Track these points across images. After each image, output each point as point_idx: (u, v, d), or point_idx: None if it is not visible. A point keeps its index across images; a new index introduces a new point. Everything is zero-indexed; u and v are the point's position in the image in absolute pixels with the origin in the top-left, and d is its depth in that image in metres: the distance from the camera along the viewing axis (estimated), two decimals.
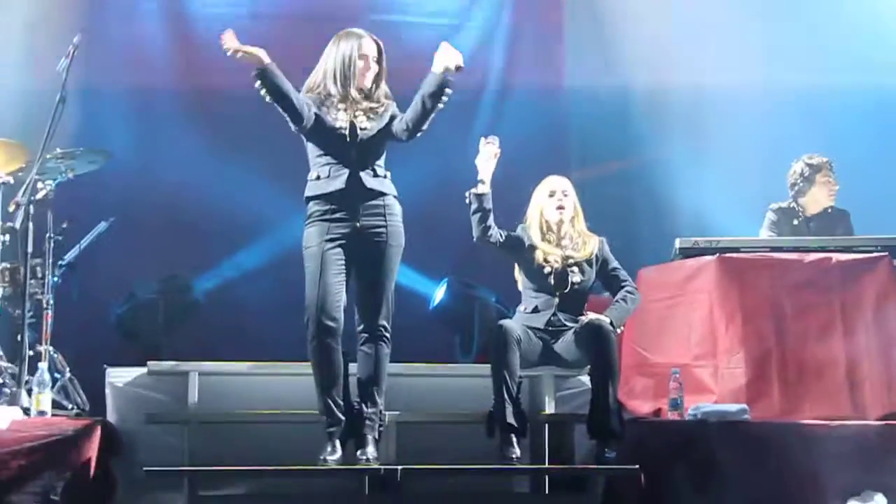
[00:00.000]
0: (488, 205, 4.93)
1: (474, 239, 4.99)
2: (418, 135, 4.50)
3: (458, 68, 4.39)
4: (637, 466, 4.59)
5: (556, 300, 5.02)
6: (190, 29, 7.53)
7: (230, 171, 7.33)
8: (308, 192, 4.53)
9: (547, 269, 5.04)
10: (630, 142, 7.91)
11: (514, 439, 4.71)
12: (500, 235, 5.01)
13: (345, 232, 4.44)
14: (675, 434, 4.84)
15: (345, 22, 4.78)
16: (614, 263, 5.16)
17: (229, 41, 4.33)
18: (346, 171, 4.45)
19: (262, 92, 4.37)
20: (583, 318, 4.93)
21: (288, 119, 4.44)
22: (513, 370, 4.74)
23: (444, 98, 4.42)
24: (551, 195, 5.13)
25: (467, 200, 4.94)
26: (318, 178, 4.50)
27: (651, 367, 5.41)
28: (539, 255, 5.05)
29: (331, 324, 4.36)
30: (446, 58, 4.42)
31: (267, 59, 4.37)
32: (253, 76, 4.38)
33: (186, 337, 6.71)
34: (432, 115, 4.46)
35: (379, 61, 4.55)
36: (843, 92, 7.35)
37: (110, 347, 6.33)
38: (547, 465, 4.99)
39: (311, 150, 4.56)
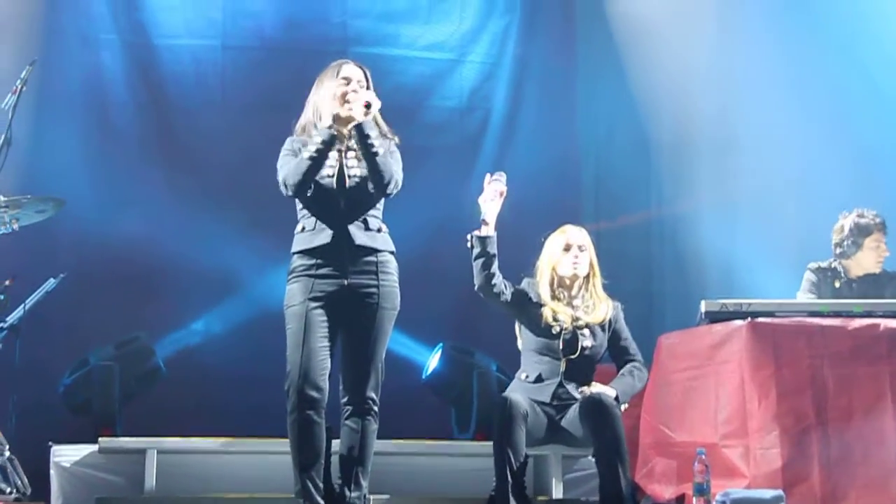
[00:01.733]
0: (493, 249, 4.94)
1: (476, 288, 5.00)
2: (390, 186, 4.48)
3: (367, 105, 4.41)
4: None
5: (563, 367, 5.02)
6: (155, 62, 7.59)
7: (198, 222, 7.36)
8: (293, 247, 4.55)
9: (555, 330, 5.04)
10: (650, 191, 7.96)
11: None
12: (505, 287, 5.02)
13: (331, 291, 4.46)
14: None
15: (326, 55, 4.83)
16: (626, 334, 5.18)
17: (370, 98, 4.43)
18: (332, 227, 4.47)
19: (316, 148, 4.42)
20: (584, 389, 4.92)
21: (293, 180, 4.43)
22: (518, 449, 4.73)
23: (374, 144, 4.42)
24: (567, 249, 5.15)
25: (469, 244, 4.95)
26: (304, 230, 4.53)
27: (674, 446, 5.38)
28: (547, 314, 5.06)
29: (315, 394, 4.36)
30: (357, 106, 4.43)
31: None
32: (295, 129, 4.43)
33: (145, 409, 6.67)
34: (380, 165, 4.42)
35: (367, 88, 4.58)
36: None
37: (57, 422, 6.32)
38: None
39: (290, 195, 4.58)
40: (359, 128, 4.43)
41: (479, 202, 4.94)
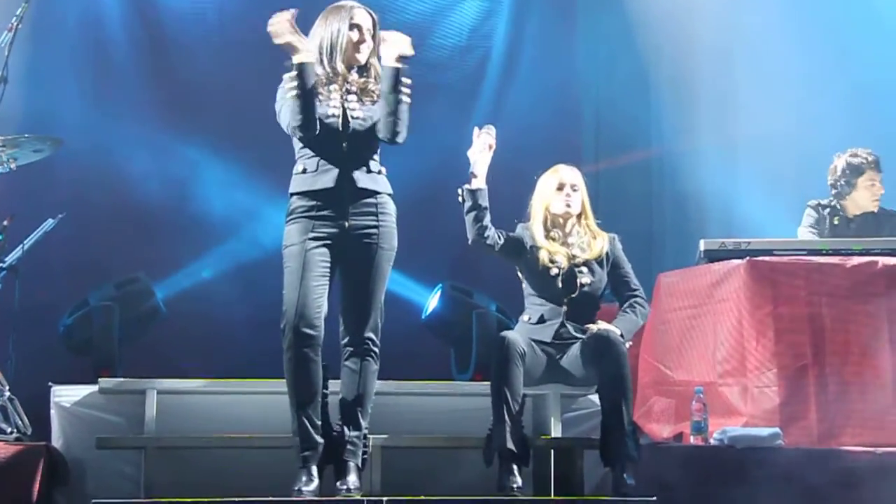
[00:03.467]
0: (484, 202, 4.94)
1: (469, 242, 5.00)
2: (401, 136, 4.48)
3: (405, 57, 4.40)
4: (654, 498, 4.59)
5: (564, 307, 5.04)
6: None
7: (197, 161, 7.36)
8: (292, 188, 4.54)
9: (553, 271, 5.05)
10: (651, 129, 7.94)
11: (516, 467, 4.70)
12: (499, 237, 5.03)
13: (331, 231, 4.46)
14: (699, 461, 4.86)
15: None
16: (626, 266, 5.16)
17: (280, 25, 4.35)
18: (335, 168, 4.46)
19: (292, 86, 4.38)
20: (589, 327, 4.94)
21: (294, 122, 4.41)
22: (515, 389, 4.74)
23: (405, 91, 4.43)
24: (559, 188, 5.13)
25: (460, 198, 4.96)
26: (305, 171, 4.52)
27: (672, 385, 5.42)
28: (543, 256, 5.05)
29: (310, 332, 4.37)
30: (395, 47, 4.43)
31: (311, 58, 4.39)
32: (292, 68, 4.38)
33: (144, 350, 6.71)
34: (401, 114, 4.44)
35: (374, 36, 4.56)
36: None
37: (57, 363, 6.36)
38: (553, 497, 5.00)
39: (298, 139, 4.57)
40: (395, 71, 4.41)
41: (468, 154, 4.93)
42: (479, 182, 4.93)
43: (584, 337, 4.96)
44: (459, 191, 4.96)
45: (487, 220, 4.96)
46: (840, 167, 6.11)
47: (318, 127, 4.44)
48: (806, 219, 6.15)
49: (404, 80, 4.44)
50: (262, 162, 6.97)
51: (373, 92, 4.53)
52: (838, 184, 6.10)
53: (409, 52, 4.45)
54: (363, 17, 4.56)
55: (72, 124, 6.99)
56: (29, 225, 5.96)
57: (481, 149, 4.92)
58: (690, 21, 7.58)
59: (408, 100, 4.45)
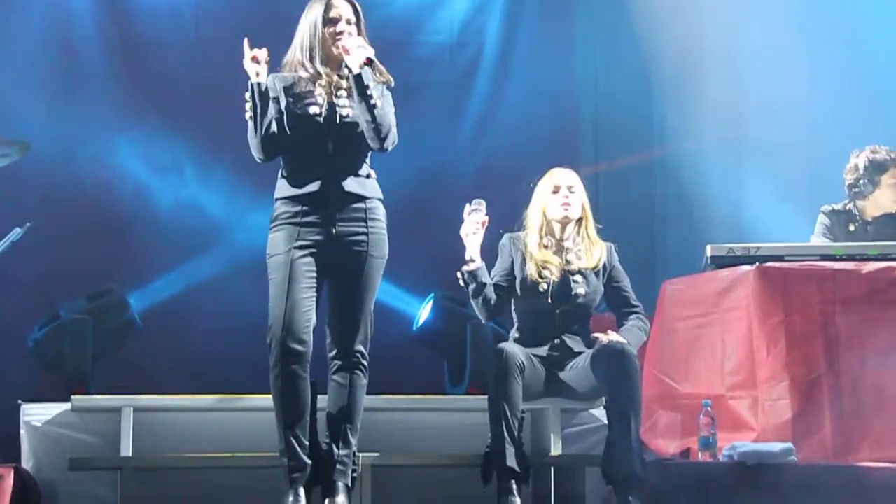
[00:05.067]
0: (485, 279, 5.01)
1: (483, 321, 5.10)
2: (387, 141, 4.46)
3: (368, 61, 4.40)
4: None
5: (557, 319, 5.04)
6: None
7: (174, 165, 7.35)
8: (277, 192, 4.55)
9: (542, 287, 5.04)
10: (653, 130, 7.95)
11: (515, 486, 4.70)
12: (500, 292, 5.05)
13: (318, 239, 4.46)
14: (707, 479, 4.85)
15: None
16: (625, 280, 5.17)
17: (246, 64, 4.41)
18: (321, 171, 4.46)
19: (248, 107, 4.40)
20: (600, 337, 4.94)
21: (250, 145, 4.45)
22: (514, 403, 4.75)
23: (373, 96, 4.40)
24: (555, 191, 5.14)
25: (461, 282, 5.02)
26: (289, 174, 4.52)
27: (678, 398, 5.42)
28: (532, 271, 5.05)
29: (298, 347, 4.37)
30: (355, 58, 4.40)
31: (261, 79, 4.41)
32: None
33: (119, 366, 6.71)
34: (380, 119, 4.41)
35: (357, 24, 4.55)
36: None
37: (27, 379, 6.34)
38: None
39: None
40: (358, 79, 4.40)
41: (460, 234, 4.98)
42: (477, 262, 4.97)
43: (583, 349, 4.97)
44: (460, 275, 5.00)
45: (492, 292, 5.01)
46: (861, 165, 6.08)
47: (297, 128, 4.43)
48: (819, 226, 6.14)
49: (370, 83, 4.39)
50: (243, 165, 6.91)
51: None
52: (860, 182, 6.08)
53: (365, 60, 4.39)
54: (340, 8, 4.54)
55: (40, 128, 7.00)
56: None
57: (474, 229, 4.96)
58: (695, 18, 7.60)
59: (380, 103, 4.41)
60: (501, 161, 7.58)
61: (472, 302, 5.04)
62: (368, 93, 4.39)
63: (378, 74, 4.53)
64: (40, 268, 6.96)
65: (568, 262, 5.09)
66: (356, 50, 4.41)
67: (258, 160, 4.49)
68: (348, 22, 4.53)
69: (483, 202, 4.99)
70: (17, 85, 7.16)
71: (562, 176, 5.18)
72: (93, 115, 7.35)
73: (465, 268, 5.00)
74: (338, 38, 4.49)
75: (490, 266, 5.08)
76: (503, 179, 6.99)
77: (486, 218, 4.97)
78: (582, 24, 8.07)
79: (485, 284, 5.00)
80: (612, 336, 4.96)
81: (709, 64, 7.70)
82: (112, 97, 7.44)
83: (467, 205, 5.00)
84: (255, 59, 4.40)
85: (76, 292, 6.69)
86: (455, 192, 7.57)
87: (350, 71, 4.42)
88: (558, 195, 5.14)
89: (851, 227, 6.10)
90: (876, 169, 6.07)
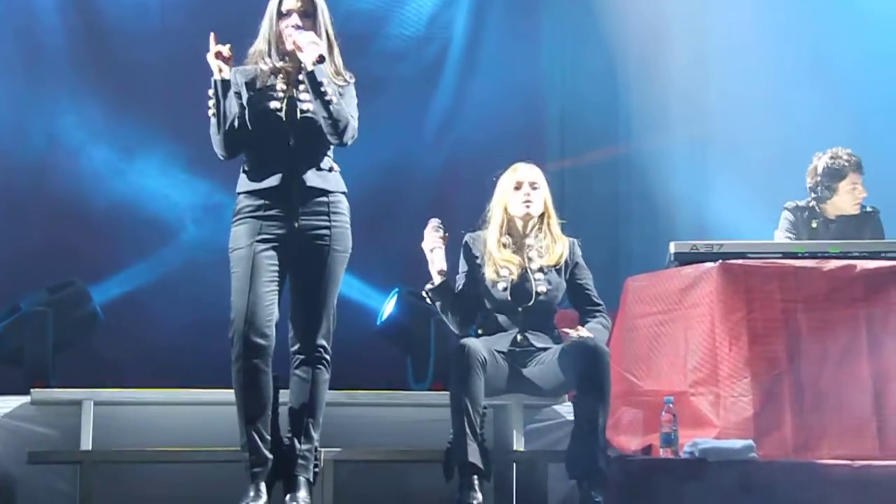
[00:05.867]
0: (451, 293, 5.02)
1: (458, 333, 5.06)
2: (346, 135, 4.45)
3: (320, 58, 4.38)
4: None
5: (520, 317, 5.05)
6: None
7: (136, 157, 7.32)
8: (239, 186, 4.54)
9: (501, 286, 5.05)
10: (619, 126, 7.98)
11: (477, 482, 4.71)
12: (468, 302, 5.06)
13: (280, 233, 4.45)
14: (669, 475, 4.88)
15: None
16: (587, 277, 5.16)
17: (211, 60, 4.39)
18: (281, 165, 4.45)
19: (212, 103, 4.39)
20: (569, 332, 4.94)
21: (213, 141, 4.45)
22: (476, 399, 4.75)
23: (327, 93, 4.38)
24: (518, 187, 5.14)
25: (428, 300, 5.03)
26: (251, 168, 4.51)
27: (640, 395, 5.44)
28: (490, 273, 5.05)
29: (260, 341, 4.36)
30: (307, 54, 4.37)
31: (224, 75, 4.39)
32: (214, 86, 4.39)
33: (80, 358, 6.66)
34: (336, 115, 4.39)
35: (313, 17, 4.52)
36: (878, 66, 7.42)
37: None
38: None
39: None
40: (310, 75, 4.38)
41: (422, 247, 4.99)
42: (441, 276, 4.98)
43: (545, 346, 4.98)
44: (425, 293, 5.02)
45: (461, 304, 5.04)
46: (820, 169, 6.14)
47: (257, 123, 4.42)
48: (783, 222, 6.19)
49: (323, 79, 4.37)
50: (207, 158, 6.90)
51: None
52: (818, 187, 6.15)
53: (317, 56, 4.36)
54: (292, 1, 4.51)
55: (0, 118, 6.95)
56: None
57: (438, 244, 4.97)
58: (661, 16, 7.62)
59: (335, 99, 4.40)
60: (467, 155, 7.58)
61: (443, 317, 5.06)
62: (322, 89, 4.38)
63: (339, 69, 4.53)
64: (0, 259, 6.91)
65: (529, 260, 5.10)
66: (308, 46, 4.39)
67: (220, 157, 4.48)
68: (304, 14, 4.50)
69: (438, 220, 5.01)
70: None
71: (525, 171, 5.17)
72: (54, 103, 7.31)
73: (427, 286, 5.01)
74: (289, 33, 4.47)
75: (453, 270, 5.08)
76: (469, 174, 6.99)
77: (447, 235, 4.98)
78: (549, 20, 8.09)
79: (452, 298, 5.02)
80: (582, 332, 4.96)
81: (674, 61, 7.73)
82: (74, 86, 7.40)
83: (431, 220, 5.01)
84: (218, 55, 4.38)
85: (37, 284, 6.65)
86: (421, 186, 7.62)
87: (304, 67, 4.42)
88: (520, 192, 5.12)
89: (814, 224, 6.15)
90: (834, 175, 6.13)
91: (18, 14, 7.38)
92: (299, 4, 4.51)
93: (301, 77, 4.47)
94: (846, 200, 6.13)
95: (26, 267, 6.97)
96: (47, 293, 6.55)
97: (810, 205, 6.20)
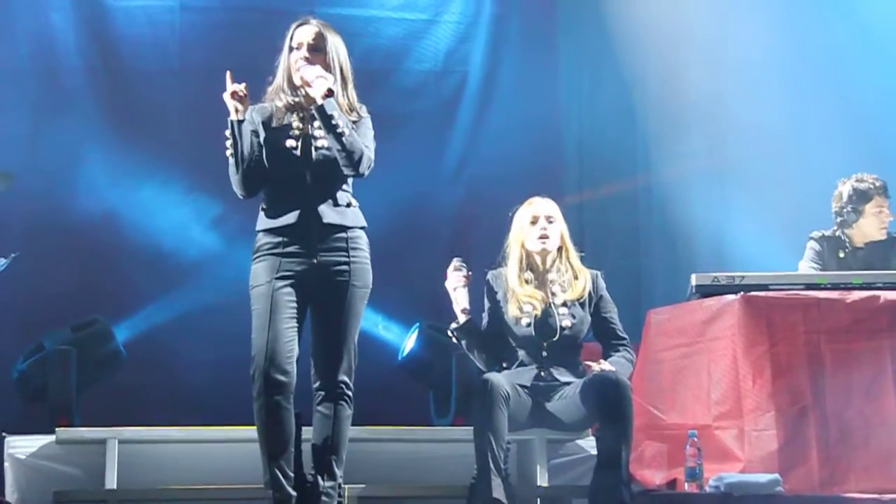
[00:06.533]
0: (477, 331, 5.05)
1: (486, 370, 5.04)
2: (362, 166, 4.45)
3: (329, 92, 4.38)
4: None
5: (544, 352, 5.04)
6: (108, 25, 7.55)
7: (158, 195, 7.34)
8: (258, 224, 4.56)
9: (525, 322, 5.05)
10: (637, 158, 7.97)
11: None
12: (495, 340, 5.06)
13: (299, 270, 4.47)
14: None
15: (291, 16, 4.78)
16: (612, 311, 5.15)
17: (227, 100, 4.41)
18: (298, 203, 4.47)
19: (229, 143, 4.41)
20: (592, 366, 4.93)
21: (235, 179, 4.46)
22: (500, 434, 4.74)
23: (339, 125, 4.39)
24: (534, 222, 5.14)
25: (454, 339, 5.06)
26: (269, 206, 4.53)
27: (664, 428, 5.42)
28: (513, 310, 5.06)
29: (281, 378, 4.37)
30: (316, 89, 4.39)
31: (241, 115, 4.41)
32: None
33: (104, 397, 6.68)
34: (350, 146, 4.39)
35: (322, 49, 4.52)
36: None
37: (11, 411, 6.30)
38: None
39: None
40: (320, 109, 4.40)
41: (446, 286, 5.02)
42: (465, 315, 5.01)
43: (570, 380, 4.97)
44: (450, 333, 5.05)
45: (488, 342, 5.06)
46: (846, 193, 6.12)
47: (274, 162, 4.44)
48: (808, 252, 6.16)
49: (333, 112, 4.38)
50: (228, 197, 6.96)
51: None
52: (844, 211, 6.12)
53: (327, 90, 4.37)
54: (304, 34, 4.54)
55: (24, 158, 7.00)
56: None
57: (461, 283, 4.99)
58: (677, 47, 7.63)
59: (346, 129, 4.40)
60: (485, 189, 7.59)
61: (470, 355, 5.08)
62: (333, 122, 4.39)
63: (352, 103, 4.54)
64: (25, 298, 6.95)
65: (553, 295, 5.10)
66: (316, 81, 4.40)
67: (240, 196, 4.50)
68: (315, 49, 4.53)
69: (463, 263, 5.02)
70: (2, 115, 7.15)
71: (540, 206, 5.17)
72: (77, 144, 7.34)
73: (453, 325, 5.03)
74: (298, 66, 4.49)
75: (477, 309, 5.08)
76: (487, 208, 7.00)
77: (470, 273, 5.00)
78: (565, 53, 8.10)
79: (479, 336, 5.03)
80: (605, 365, 4.95)
81: (692, 92, 7.73)
82: (96, 126, 7.43)
83: (454, 260, 5.02)
84: (234, 95, 4.40)
85: (60, 323, 6.67)
86: (440, 221, 7.63)
87: (314, 102, 4.43)
88: (536, 226, 5.12)
89: (841, 254, 6.12)
90: (860, 198, 6.10)
91: (42, 57, 7.42)
92: (310, 38, 4.54)
93: (314, 111, 4.49)
94: (872, 224, 6.10)
95: (51, 307, 6.98)
96: (71, 331, 6.58)
97: (836, 234, 6.17)
